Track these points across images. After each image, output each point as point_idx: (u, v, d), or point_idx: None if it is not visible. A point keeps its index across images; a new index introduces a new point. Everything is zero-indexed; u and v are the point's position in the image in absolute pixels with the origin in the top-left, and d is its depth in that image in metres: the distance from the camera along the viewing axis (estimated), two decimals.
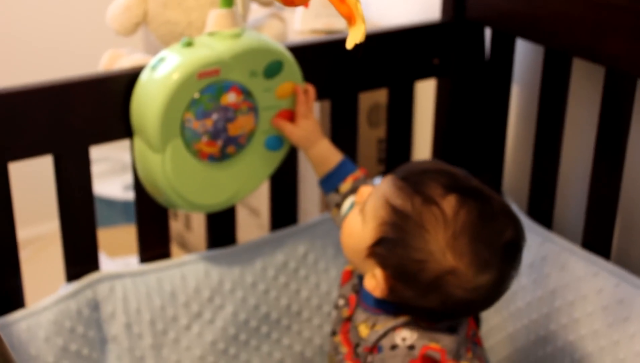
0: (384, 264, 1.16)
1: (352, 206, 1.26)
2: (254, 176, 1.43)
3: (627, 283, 1.36)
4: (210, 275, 1.48)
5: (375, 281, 1.18)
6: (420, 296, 1.15)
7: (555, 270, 1.46)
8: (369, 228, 1.17)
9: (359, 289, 1.27)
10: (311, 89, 1.43)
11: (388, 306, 1.21)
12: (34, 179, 2.39)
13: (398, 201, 1.15)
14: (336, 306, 1.31)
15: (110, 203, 2.69)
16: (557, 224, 1.61)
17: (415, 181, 1.16)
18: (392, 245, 1.15)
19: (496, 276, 1.14)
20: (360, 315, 1.24)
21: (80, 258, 1.40)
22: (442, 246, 1.12)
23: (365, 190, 1.23)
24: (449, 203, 1.13)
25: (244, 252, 1.52)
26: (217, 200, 1.41)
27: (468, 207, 1.13)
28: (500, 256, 1.14)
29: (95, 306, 1.39)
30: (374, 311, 1.23)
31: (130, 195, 2.61)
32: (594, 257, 1.43)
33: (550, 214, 1.54)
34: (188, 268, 1.47)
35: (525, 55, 1.62)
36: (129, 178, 2.66)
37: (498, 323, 1.56)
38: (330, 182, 1.41)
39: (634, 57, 1.30)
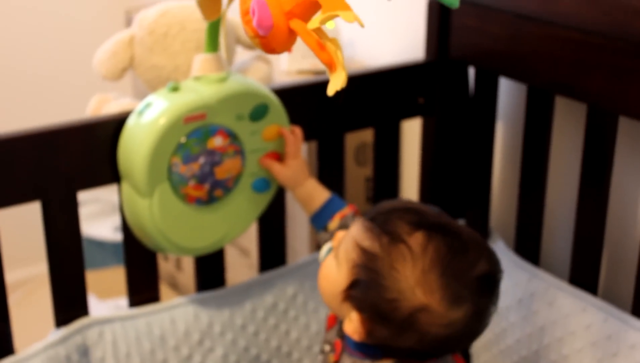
0: (359, 307, 1.15)
1: (329, 250, 1.26)
2: (242, 219, 1.44)
3: (615, 318, 1.37)
4: (200, 317, 1.48)
5: (352, 325, 1.17)
6: (397, 336, 1.14)
7: (543, 307, 1.47)
8: (343, 272, 1.17)
9: (343, 334, 1.27)
10: (298, 130, 1.44)
11: (370, 349, 1.20)
12: (24, 221, 2.39)
13: (367, 242, 1.15)
14: (322, 352, 1.31)
15: (100, 245, 2.69)
16: (544, 260, 1.62)
17: (382, 221, 1.16)
18: (365, 287, 1.14)
19: (471, 310, 1.13)
20: (346, 360, 1.24)
21: (69, 303, 1.40)
22: (411, 284, 1.11)
23: (340, 234, 1.23)
24: (416, 240, 1.13)
25: (233, 294, 1.52)
26: (205, 243, 1.41)
27: (436, 242, 1.13)
28: (474, 290, 1.13)
29: (84, 351, 1.39)
30: (358, 355, 1.22)
31: (120, 236, 2.61)
32: (582, 293, 1.43)
33: (537, 250, 1.55)
34: (177, 312, 1.47)
35: (509, 93, 1.63)
36: (119, 219, 2.66)
37: (488, 360, 1.56)
38: (319, 220, 1.42)
39: (614, 94, 1.32)
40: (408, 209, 1.18)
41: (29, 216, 1.92)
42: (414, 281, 1.11)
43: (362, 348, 1.21)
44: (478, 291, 1.13)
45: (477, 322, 1.15)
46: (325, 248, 1.28)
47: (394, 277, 1.12)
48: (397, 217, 1.16)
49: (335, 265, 1.19)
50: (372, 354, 1.20)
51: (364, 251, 1.15)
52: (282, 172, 1.42)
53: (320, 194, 1.43)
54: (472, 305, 1.13)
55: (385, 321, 1.13)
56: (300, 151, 1.44)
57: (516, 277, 1.53)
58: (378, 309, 1.13)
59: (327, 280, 1.21)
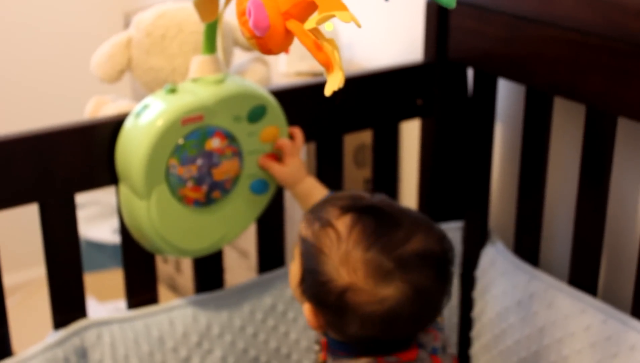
0: (307, 296, 1.18)
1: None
2: (240, 220, 1.43)
3: (615, 319, 1.37)
4: (199, 319, 1.48)
5: (306, 316, 1.19)
6: (340, 321, 1.15)
7: (542, 308, 1.47)
8: (296, 266, 1.21)
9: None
10: (299, 131, 1.44)
11: (345, 347, 1.21)
12: (21, 224, 2.39)
13: (304, 231, 1.19)
14: (314, 351, 1.31)
15: (99, 247, 2.69)
16: (544, 261, 1.61)
17: (318, 209, 1.19)
18: (307, 276, 1.17)
19: (406, 288, 1.12)
20: (330, 359, 1.24)
21: (67, 305, 1.40)
22: (336, 265, 1.13)
23: None
24: (344, 222, 1.15)
25: (232, 296, 1.52)
26: (203, 245, 1.41)
27: (363, 223, 1.14)
28: (404, 266, 1.12)
29: (82, 353, 1.38)
30: (337, 353, 1.23)
31: (119, 238, 2.61)
32: (581, 294, 1.43)
33: (537, 251, 1.55)
34: (176, 313, 1.47)
35: (508, 94, 1.63)
36: (118, 222, 2.66)
37: (487, 361, 1.56)
38: None
39: (612, 95, 1.31)
40: (345, 196, 1.21)
41: (27, 219, 1.92)
42: (338, 261, 1.13)
43: (339, 345, 1.22)
44: (410, 268, 1.12)
45: (418, 301, 1.13)
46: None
47: (323, 260, 1.14)
48: (331, 204, 1.18)
49: (294, 262, 1.23)
50: (348, 352, 1.21)
51: (302, 241, 1.18)
52: (281, 170, 1.42)
53: (318, 192, 1.43)
54: (405, 282, 1.12)
55: (324, 307, 1.15)
56: (299, 150, 1.44)
57: (515, 278, 1.52)
58: (316, 295, 1.16)
59: (291, 278, 1.24)
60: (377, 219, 1.15)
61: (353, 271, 1.12)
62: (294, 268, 1.23)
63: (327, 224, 1.16)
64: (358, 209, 1.16)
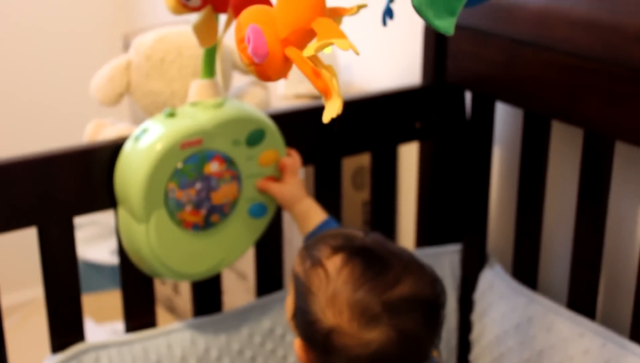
0: (297, 332, 1.18)
1: None
2: (239, 244, 1.43)
3: (613, 343, 1.37)
4: (197, 343, 1.47)
5: (298, 354, 1.18)
6: (327, 360, 1.14)
7: (541, 331, 1.46)
8: (290, 300, 1.20)
9: None
10: (295, 152, 1.45)
11: None
12: (20, 244, 2.39)
13: (297, 268, 1.18)
14: None
15: (98, 268, 2.69)
16: (542, 284, 1.61)
17: (311, 247, 1.18)
18: (297, 313, 1.17)
19: (391, 332, 1.10)
20: None
21: (65, 329, 1.40)
22: (322, 306, 1.12)
23: None
24: (334, 263, 1.13)
25: (230, 319, 1.52)
26: (202, 269, 1.41)
27: (352, 264, 1.12)
28: (391, 311, 1.10)
29: None
30: None
31: (118, 260, 2.61)
32: (580, 318, 1.43)
33: (535, 274, 1.55)
34: (174, 337, 1.47)
35: (506, 117, 1.64)
36: (116, 242, 2.66)
37: None
38: None
39: (610, 119, 1.32)
40: (338, 235, 1.19)
41: (25, 240, 1.92)
42: (325, 302, 1.12)
43: None
44: (396, 312, 1.10)
45: (404, 346, 1.11)
46: None
47: (312, 300, 1.13)
48: (323, 242, 1.17)
49: (289, 296, 1.22)
50: None
51: (295, 277, 1.18)
52: (279, 189, 1.42)
53: (316, 215, 1.42)
54: (391, 326, 1.10)
55: (313, 345, 1.15)
56: (297, 171, 1.44)
57: (514, 302, 1.52)
58: (305, 333, 1.15)
59: (286, 310, 1.23)
60: (367, 261, 1.13)
61: (338, 313, 1.11)
62: (289, 301, 1.22)
63: (317, 263, 1.14)
64: (349, 250, 1.14)
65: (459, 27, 1.52)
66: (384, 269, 1.13)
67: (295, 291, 1.17)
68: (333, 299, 1.11)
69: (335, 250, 1.15)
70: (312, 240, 1.21)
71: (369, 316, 1.10)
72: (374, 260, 1.14)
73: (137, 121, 2.24)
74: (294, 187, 1.43)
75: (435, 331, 1.15)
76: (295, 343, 1.18)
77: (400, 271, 1.13)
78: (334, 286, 1.12)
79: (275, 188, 1.42)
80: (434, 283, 1.15)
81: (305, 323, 1.14)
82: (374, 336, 1.10)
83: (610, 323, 1.49)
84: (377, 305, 1.10)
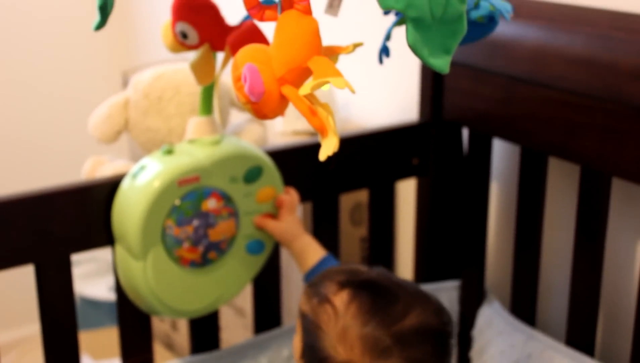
0: None
1: None
2: (236, 281, 1.43)
3: None
4: None
5: None
6: None
7: None
8: (298, 339, 1.21)
9: None
10: (293, 190, 1.45)
11: None
12: (17, 281, 2.38)
13: (303, 306, 1.19)
14: None
15: (95, 304, 2.68)
16: (541, 321, 1.61)
17: (316, 284, 1.19)
18: (307, 350, 1.17)
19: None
20: None
21: None
22: (333, 342, 1.13)
23: None
24: (341, 298, 1.15)
25: (228, 356, 1.51)
26: (199, 306, 1.41)
27: (360, 299, 1.14)
28: (401, 342, 1.11)
29: None
30: None
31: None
32: (579, 355, 1.42)
33: (534, 311, 1.55)
34: None
35: (503, 153, 1.64)
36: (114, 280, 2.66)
37: None
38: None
39: (606, 156, 1.32)
40: (343, 271, 1.20)
41: (22, 276, 1.91)
42: (336, 338, 1.13)
43: None
44: (407, 344, 1.12)
45: None
46: None
47: (321, 337, 1.14)
48: (329, 279, 1.18)
49: (296, 335, 1.22)
50: None
51: (302, 316, 1.18)
52: (277, 226, 1.42)
53: (314, 252, 1.42)
54: (401, 358, 1.11)
55: None
56: (295, 208, 1.45)
57: (513, 338, 1.52)
58: None
59: (294, 350, 1.23)
60: (375, 295, 1.14)
61: (350, 348, 1.12)
62: (296, 340, 1.22)
63: (324, 300, 1.15)
64: (355, 285, 1.15)
65: (456, 64, 1.53)
66: (392, 301, 1.14)
67: (303, 329, 1.18)
68: (343, 334, 1.12)
69: (342, 286, 1.16)
70: (316, 277, 1.22)
71: (380, 349, 1.11)
72: (380, 293, 1.15)
73: (135, 157, 2.24)
74: (292, 224, 1.43)
75: (444, 360, 1.16)
76: None
77: (408, 303, 1.14)
78: (344, 322, 1.13)
79: (272, 225, 1.42)
80: (440, 313, 1.17)
81: (316, 360, 1.14)
82: None
83: (609, 359, 1.48)
84: (388, 338, 1.11)
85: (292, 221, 1.43)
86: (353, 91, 0.87)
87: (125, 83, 2.34)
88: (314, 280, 1.21)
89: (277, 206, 1.42)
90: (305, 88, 0.89)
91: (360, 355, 1.11)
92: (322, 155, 0.87)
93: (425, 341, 1.13)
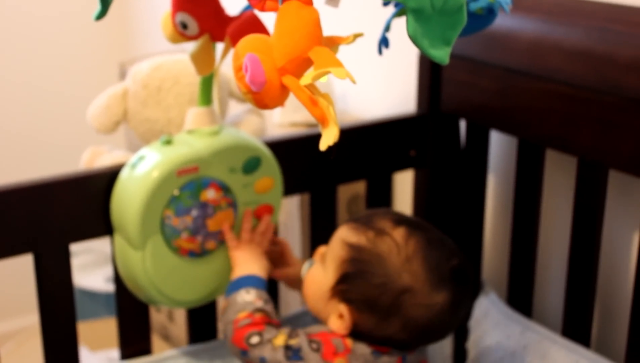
0: (347, 299, 1.26)
1: (310, 264, 1.35)
2: None
3: None
4: None
5: (340, 321, 1.27)
6: (383, 322, 1.25)
7: (536, 359, 1.46)
8: (330, 271, 1.29)
9: None
10: (283, 242, 1.48)
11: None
12: (15, 271, 2.38)
13: (354, 239, 1.28)
14: None
15: (92, 295, 2.68)
16: (537, 312, 1.61)
17: (366, 220, 1.29)
18: (353, 278, 1.26)
19: (450, 297, 1.25)
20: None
21: (60, 356, 1.39)
22: (397, 268, 1.24)
23: (321, 249, 1.35)
24: (399, 233, 1.26)
25: (225, 346, 1.51)
26: (197, 296, 1.41)
27: (417, 236, 1.26)
28: (450, 279, 1.25)
29: None
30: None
31: (112, 287, 2.61)
32: (574, 345, 1.43)
33: (530, 302, 1.55)
34: None
35: (500, 145, 1.65)
36: (111, 270, 2.66)
37: None
38: None
39: (603, 148, 1.33)
40: (388, 211, 1.34)
41: (20, 267, 1.92)
42: (400, 266, 1.24)
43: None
44: (454, 281, 1.26)
45: (453, 312, 1.27)
46: (306, 264, 1.37)
47: (381, 264, 1.25)
48: (380, 216, 1.30)
49: (321, 270, 1.31)
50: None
51: (351, 247, 1.27)
52: (289, 272, 1.46)
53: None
54: (450, 292, 1.25)
55: (372, 307, 1.25)
56: (292, 256, 1.48)
57: (509, 330, 1.53)
58: (366, 296, 1.25)
59: (313, 285, 1.33)
60: (427, 235, 1.28)
61: (414, 276, 1.24)
62: (320, 274, 1.31)
63: (382, 232, 1.26)
64: (408, 223, 1.28)
65: (453, 57, 1.53)
66: (441, 244, 1.28)
67: (350, 259, 1.26)
68: (408, 263, 1.24)
69: (397, 223, 1.28)
70: (362, 215, 1.32)
71: (436, 281, 1.25)
72: (430, 233, 1.29)
73: (133, 148, 2.24)
74: (295, 276, 1.47)
75: (471, 307, 1.32)
76: (341, 309, 1.26)
77: (451, 248, 1.29)
78: (406, 252, 1.25)
79: (283, 274, 1.46)
80: (469, 261, 1.32)
81: (370, 286, 1.24)
82: (439, 299, 1.24)
83: (604, 350, 1.49)
84: (447, 271, 1.26)
85: (298, 262, 1.48)
86: (354, 81, 0.87)
87: (122, 74, 2.34)
88: (359, 217, 1.31)
89: (279, 250, 1.47)
90: (307, 78, 0.89)
91: (422, 283, 1.24)
92: (323, 145, 0.88)
93: (463, 283, 1.28)
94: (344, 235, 1.29)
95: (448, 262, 1.26)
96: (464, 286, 1.28)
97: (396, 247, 1.25)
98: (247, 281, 1.34)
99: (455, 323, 1.30)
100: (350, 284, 1.26)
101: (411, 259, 1.24)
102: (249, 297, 1.31)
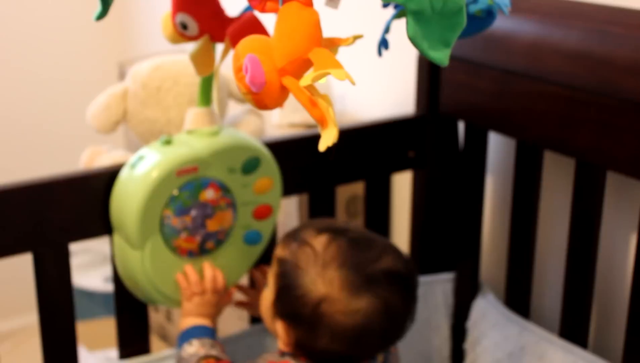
0: (280, 314, 1.26)
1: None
2: (233, 271, 1.44)
3: None
4: None
5: (279, 336, 1.27)
6: (311, 334, 1.23)
7: (534, 360, 1.47)
8: (270, 290, 1.29)
9: None
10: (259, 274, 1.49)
11: None
12: (14, 271, 2.38)
13: (281, 252, 1.29)
14: None
15: (90, 295, 2.68)
16: (535, 313, 1.62)
17: (295, 232, 1.30)
18: (282, 293, 1.26)
19: (377, 303, 1.21)
20: None
21: (59, 355, 1.40)
22: (312, 278, 1.22)
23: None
24: (320, 241, 1.25)
25: (224, 346, 1.51)
26: None
27: (338, 242, 1.25)
28: (375, 282, 1.22)
29: None
30: None
31: (110, 287, 2.61)
32: (572, 346, 1.44)
33: (528, 303, 1.56)
34: None
35: (498, 147, 1.65)
36: (109, 270, 2.65)
37: None
38: None
39: (601, 150, 1.33)
40: (320, 221, 1.33)
41: (19, 266, 1.92)
42: (315, 274, 1.22)
43: None
44: (382, 285, 1.22)
45: (387, 319, 1.23)
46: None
47: (299, 275, 1.23)
48: (307, 226, 1.30)
49: (267, 289, 1.31)
50: None
51: (279, 261, 1.28)
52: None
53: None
54: (377, 296, 1.22)
55: (298, 320, 1.23)
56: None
57: (506, 330, 1.53)
58: (291, 309, 1.24)
59: (263, 305, 1.33)
60: (351, 240, 1.25)
61: (329, 283, 1.21)
62: (266, 294, 1.31)
63: (304, 242, 1.25)
64: (333, 231, 1.26)
65: (452, 58, 1.53)
66: (367, 246, 1.25)
67: (279, 275, 1.26)
68: (323, 271, 1.22)
69: (320, 231, 1.26)
70: (292, 229, 1.32)
71: (357, 285, 1.21)
72: (356, 239, 1.26)
73: (132, 148, 2.25)
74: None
75: (412, 307, 1.26)
76: (278, 328, 1.26)
77: (380, 250, 1.25)
78: (323, 259, 1.23)
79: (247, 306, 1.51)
80: (409, 263, 1.28)
81: (293, 298, 1.23)
82: (361, 305, 1.21)
83: (602, 352, 1.50)
84: (364, 276, 1.22)
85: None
86: (353, 83, 0.88)
87: (121, 75, 2.35)
88: (290, 232, 1.30)
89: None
90: (306, 79, 0.89)
91: (337, 290, 1.21)
92: (322, 146, 0.88)
93: (396, 284, 1.24)
94: (277, 250, 1.30)
95: (374, 264, 1.23)
96: (397, 286, 1.24)
97: (314, 256, 1.23)
98: (189, 334, 1.36)
99: (398, 325, 1.26)
100: (279, 300, 1.26)
101: (328, 265, 1.22)
102: (191, 349, 1.34)
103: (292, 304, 1.23)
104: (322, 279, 1.22)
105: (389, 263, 1.24)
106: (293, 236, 1.28)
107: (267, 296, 1.30)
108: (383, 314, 1.22)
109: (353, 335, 1.22)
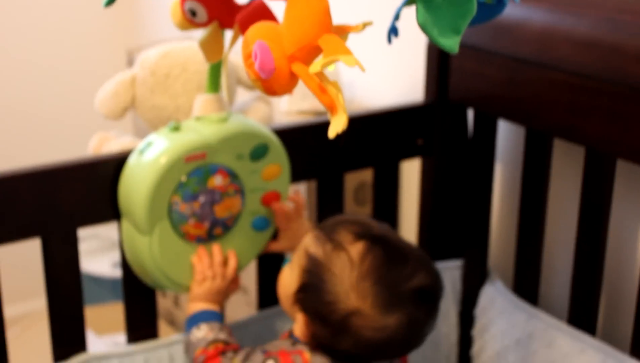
0: (304, 308, 1.24)
1: (289, 260, 1.35)
2: (241, 257, 1.44)
3: (614, 359, 1.37)
4: None
5: (299, 326, 1.26)
6: (335, 337, 1.21)
7: (542, 347, 1.47)
8: (294, 277, 1.27)
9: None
10: (299, 197, 1.47)
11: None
12: (23, 255, 2.39)
13: (313, 249, 1.25)
14: None
15: (98, 281, 2.70)
16: (543, 300, 1.62)
17: (329, 230, 1.25)
18: (309, 290, 1.23)
19: (405, 319, 1.20)
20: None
21: (67, 339, 1.40)
22: (346, 288, 1.20)
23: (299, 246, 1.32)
24: (357, 249, 1.21)
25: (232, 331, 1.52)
26: None
27: (375, 253, 1.21)
28: (407, 300, 1.20)
29: None
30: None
31: (118, 272, 2.62)
32: (580, 334, 1.44)
33: (536, 290, 1.56)
34: (176, 348, 1.47)
35: (508, 135, 1.65)
36: (117, 255, 2.67)
37: None
38: None
39: (611, 138, 1.33)
40: (355, 221, 1.27)
41: (28, 251, 1.92)
42: (349, 286, 1.20)
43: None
44: (412, 302, 1.20)
45: (411, 332, 1.22)
46: (287, 257, 1.38)
47: (332, 281, 1.21)
48: (343, 227, 1.25)
49: (290, 271, 1.29)
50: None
51: (310, 257, 1.24)
52: (276, 246, 1.47)
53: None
54: (405, 314, 1.20)
55: (324, 323, 1.22)
56: (302, 213, 1.47)
57: (515, 317, 1.53)
58: (318, 311, 1.22)
59: (282, 285, 1.32)
60: (388, 251, 1.22)
61: (362, 298, 1.19)
62: (288, 276, 1.29)
63: (340, 247, 1.22)
64: (370, 238, 1.22)
65: (462, 46, 1.53)
66: (402, 261, 1.22)
67: (308, 271, 1.24)
68: (358, 283, 1.19)
69: (357, 237, 1.22)
70: (328, 223, 1.28)
71: (389, 303, 1.19)
72: (393, 250, 1.23)
73: (140, 134, 2.25)
74: (291, 239, 1.46)
75: (435, 320, 1.25)
76: (298, 318, 1.25)
77: (416, 265, 1.22)
78: (359, 272, 1.20)
79: (273, 247, 1.48)
80: (438, 278, 1.25)
81: (321, 302, 1.21)
82: (390, 322, 1.19)
83: (610, 339, 1.50)
84: (397, 294, 1.20)
85: (291, 235, 1.46)
86: (363, 69, 0.88)
87: (130, 61, 2.35)
88: (325, 225, 1.27)
89: (276, 215, 1.45)
90: (316, 66, 0.90)
91: (370, 306, 1.19)
92: (332, 132, 0.88)
93: (426, 302, 1.22)
94: (308, 243, 1.26)
95: (407, 282, 1.20)
96: (427, 305, 1.22)
97: (350, 265, 1.20)
98: (197, 318, 1.37)
99: (419, 336, 1.25)
100: (306, 295, 1.24)
101: (363, 279, 1.19)
102: (200, 334, 1.34)
103: (319, 306, 1.21)
104: (356, 293, 1.19)
105: (421, 281, 1.21)
106: (328, 234, 1.24)
107: (289, 280, 1.28)
108: (409, 330, 1.21)
109: (377, 346, 1.21)
